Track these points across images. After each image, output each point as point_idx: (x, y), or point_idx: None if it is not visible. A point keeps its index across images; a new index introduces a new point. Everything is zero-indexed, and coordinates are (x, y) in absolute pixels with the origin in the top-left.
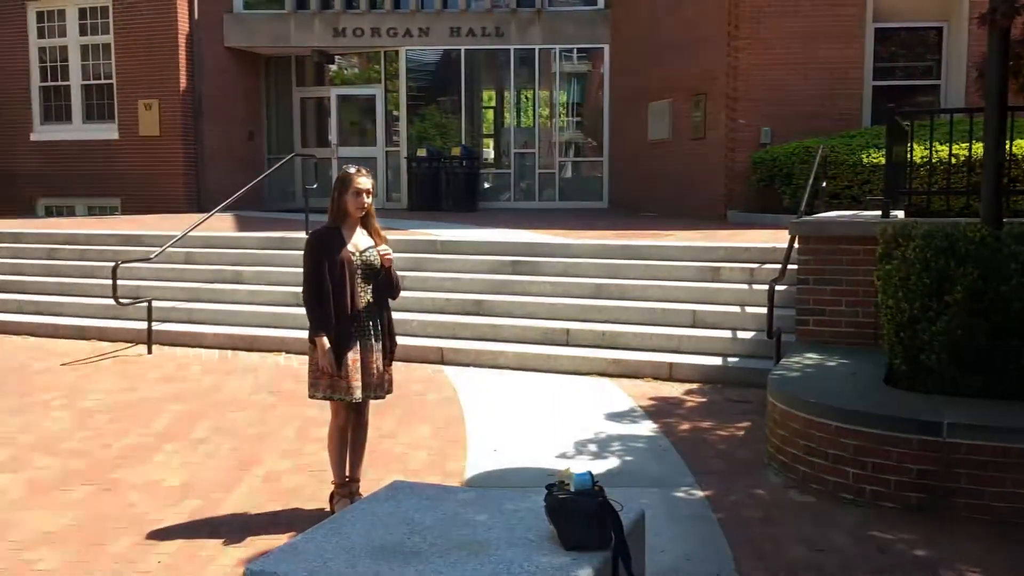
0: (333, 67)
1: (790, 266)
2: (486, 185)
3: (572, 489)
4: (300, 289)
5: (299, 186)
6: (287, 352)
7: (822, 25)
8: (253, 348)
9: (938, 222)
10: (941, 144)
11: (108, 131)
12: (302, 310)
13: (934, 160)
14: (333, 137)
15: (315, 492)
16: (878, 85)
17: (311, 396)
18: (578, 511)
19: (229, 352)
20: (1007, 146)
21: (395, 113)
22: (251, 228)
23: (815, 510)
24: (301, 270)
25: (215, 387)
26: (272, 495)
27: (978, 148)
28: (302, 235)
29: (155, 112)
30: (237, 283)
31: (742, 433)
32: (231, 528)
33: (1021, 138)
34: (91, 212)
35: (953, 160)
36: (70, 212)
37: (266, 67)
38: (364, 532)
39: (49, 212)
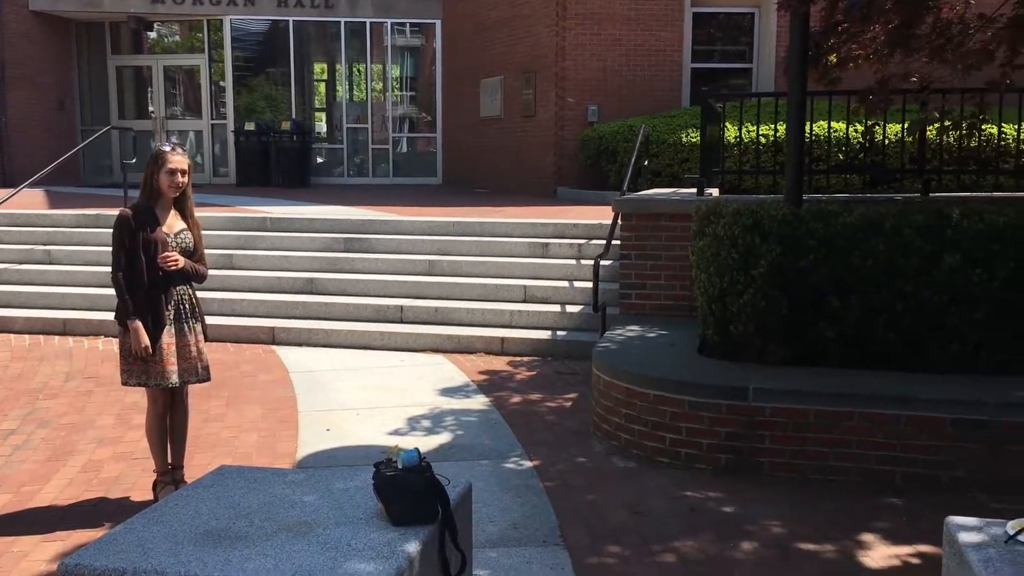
0: (152, 35)
1: (614, 242)
2: (318, 160)
3: (400, 466)
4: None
5: (117, 160)
6: (105, 336)
7: (645, 8)
8: (67, 332)
9: (748, 200)
10: (752, 125)
11: None
12: None
13: (745, 140)
14: (156, 109)
15: (137, 481)
16: (696, 67)
17: (124, 383)
18: (406, 488)
19: (42, 337)
20: (808, 128)
21: (221, 84)
22: (64, 204)
23: (635, 475)
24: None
25: (25, 374)
26: (91, 486)
27: (785, 129)
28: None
29: None
30: (48, 264)
31: (569, 404)
32: (47, 522)
33: (822, 120)
34: None
35: (763, 140)
36: None
37: (77, 33)
38: (188, 519)
39: None
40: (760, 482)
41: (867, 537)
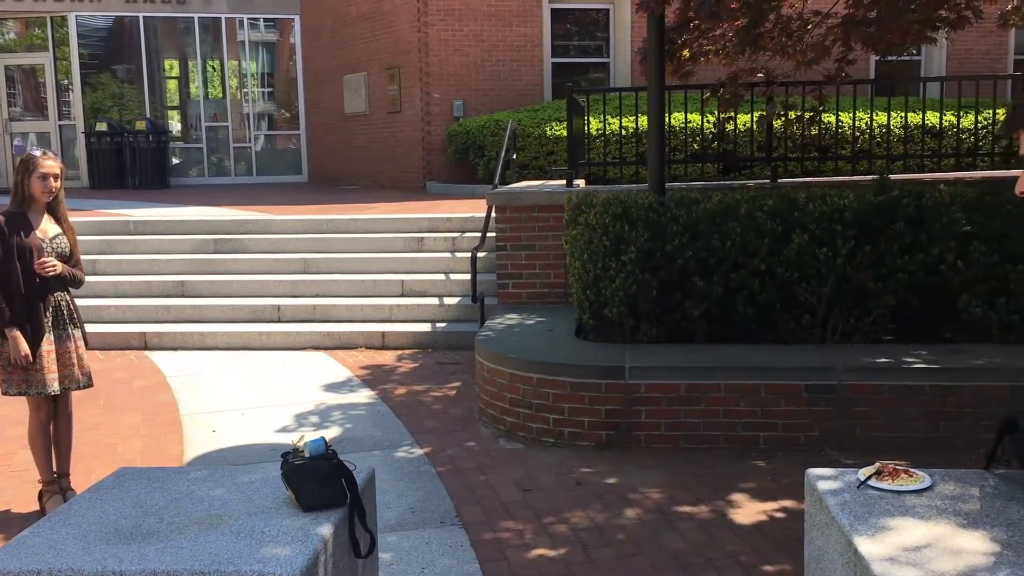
0: None
1: (489, 234)
2: (175, 161)
3: (307, 455)
4: None
5: None
6: None
7: (503, 4)
8: None
9: (614, 189)
10: (613, 118)
11: None
12: None
13: (608, 133)
14: (3, 110)
15: (19, 493)
16: (556, 62)
17: (4, 393)
18: (315, 473)
19: None
20: (666, 120)
21: (67, 84)
22: None
23: (522, 455)
24: None
25: None
26: None
27: (645, 121)
28: None
29: None
30: None
31: (454, 393)
32: None
33: (678, 112)
34: None
35: (624, 132)
36: None
37: None
38: (95, 519)
39: None
40: (639, 454)
41: (737, 497)
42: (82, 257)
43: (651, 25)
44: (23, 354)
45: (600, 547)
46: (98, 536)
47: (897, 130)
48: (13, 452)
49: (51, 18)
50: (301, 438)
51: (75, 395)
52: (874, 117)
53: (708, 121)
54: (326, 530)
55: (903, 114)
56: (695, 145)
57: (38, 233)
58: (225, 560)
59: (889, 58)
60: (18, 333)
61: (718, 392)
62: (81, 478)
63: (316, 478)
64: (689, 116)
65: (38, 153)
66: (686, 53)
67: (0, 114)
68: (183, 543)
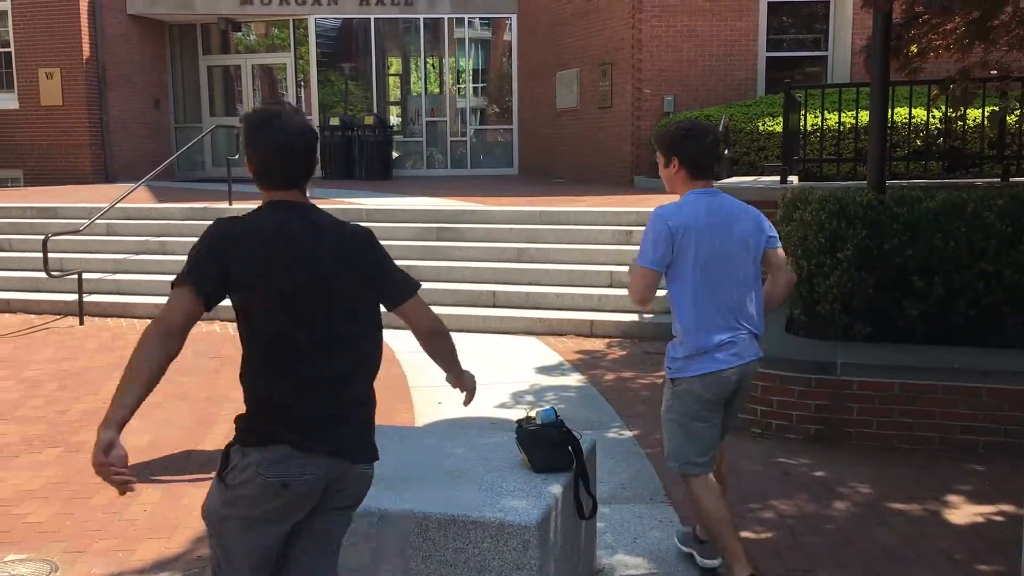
0: (239, 34)
1: None
2: (395, 154)
3: (539, 422)
4: None
5: (209, 156)
6: (220, 320)
7: None
8: None
9: (829, 186)
10: (829, 113)
11: (7, 101)
12: None
13: (824, 128)
14: (245, 106)
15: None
16: (771, 56)
17: None
18: (546, 439)
19: None
20: (888, 116)
21: (305, 81)
22: (169, 199)
23: (729, 443)
24: None
25: None
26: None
27: (864, 116)
28: (224, 205)
29: (57, 81)
30: (163, 254)
31: (660, 381)
32: (207, 474)
33: (901, 107)
34: None
35: (841, 128)
36: None
37: (170, 34)
38: None
39: None
40: (848, 450)
41: (952, 498)
42: None
43: (877, 21)
44: None
45: (808, 534)
46: None
47: None
48: None
49: (293, 20)
50: (534, 408)
51: None
52: None
53: (934, 117)
54: (556, 489)
55: None
56: (918, 141)
57: None
58: (472, 508)
59: None
60: None
61: (935, 393)
62: None
63: (547, 443)
64: (913, 111)
65: None
66: (913, 49)
67: (247, 110)
68: (434, 491)
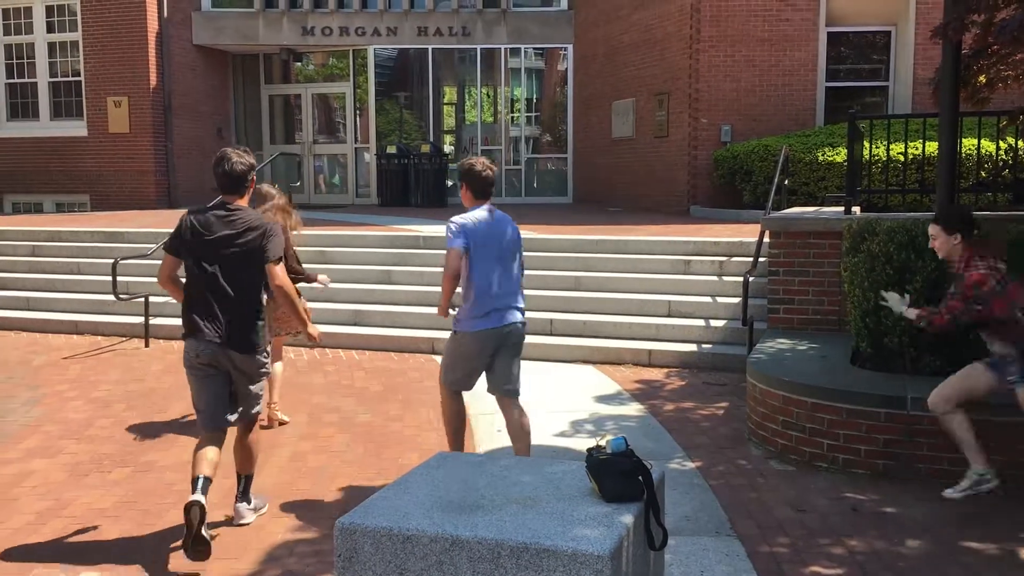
0: (299, 64)
1: (760, 258)
2: (449, 182)
3: (609, 451)
4: None
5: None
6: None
7: (779, 29)
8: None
9: (896, 217)
10: (893, 143)
11: (77, 128)
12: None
13: (888, 159)
14: (305, 134)
15: (339, 470)
16: (830, 86)
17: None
18: (616, 468)
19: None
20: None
21: (364, 110)
22: None
23: (794, 477)
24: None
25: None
26: (300, 473)
27: (932, 147)
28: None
29: (124, 109)
30: None
31: (721, 412)
32: (273, 501)
33: (967, 138)
34: (59, 209)
35: (904, 159)
36: (38, 209)
37: (234, 64)
38: (428, 492)
39: (16, 209)
40: (918, 487)
41: None
42: (378, 268)
43: (946, 51)
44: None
45: (880, 571)
46: (433, 504)
47: None
48: (331, 435)
49: (353, 51)
50: (604, 436)
51: (378, 391)
52: None
53: (1001, 148)
54: (628, 519)
55: None
56: (983, 173)
57: None
58: (543, 536)
59: None
60: None
61: (1011, 430)
62: (392, 464)
63: (618, 472)
64: (981, 142)
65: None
66: (982, 79)
67: (306, 138)
68: (505, 518)
